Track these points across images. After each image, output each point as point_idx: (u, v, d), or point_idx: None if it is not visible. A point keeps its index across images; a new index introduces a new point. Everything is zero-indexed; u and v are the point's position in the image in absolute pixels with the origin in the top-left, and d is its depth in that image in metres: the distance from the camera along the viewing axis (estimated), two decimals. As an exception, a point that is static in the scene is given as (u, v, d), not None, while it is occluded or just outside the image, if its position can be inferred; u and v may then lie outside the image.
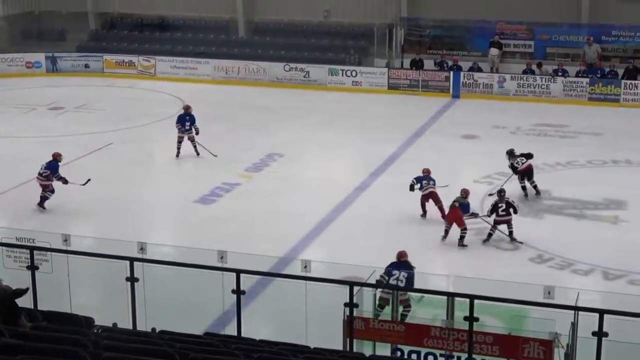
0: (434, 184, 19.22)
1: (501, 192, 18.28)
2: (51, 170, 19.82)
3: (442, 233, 17.83)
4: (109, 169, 22.96)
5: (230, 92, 33.08)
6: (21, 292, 8.43)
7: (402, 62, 34.26)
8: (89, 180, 20.09)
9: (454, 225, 17.81)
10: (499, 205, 17.94)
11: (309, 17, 36.80)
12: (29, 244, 12.41)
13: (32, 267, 11.65)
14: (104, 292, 14.24)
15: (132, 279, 11.27)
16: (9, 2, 39.15)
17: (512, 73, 32.40)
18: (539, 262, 16.87)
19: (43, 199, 19.78)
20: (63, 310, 10.53)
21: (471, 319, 10.18)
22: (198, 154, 23.77)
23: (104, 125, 26.47)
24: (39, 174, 19.82)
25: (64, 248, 12.42)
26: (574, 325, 10.39)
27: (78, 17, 39.17)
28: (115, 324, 10.20)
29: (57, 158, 20.20)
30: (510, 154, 21.24)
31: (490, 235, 17.96)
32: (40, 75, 35.70)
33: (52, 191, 19.84)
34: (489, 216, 18.03)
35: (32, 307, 10.68)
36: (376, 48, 34.87)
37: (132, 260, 11.32)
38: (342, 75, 33.69)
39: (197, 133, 23.80)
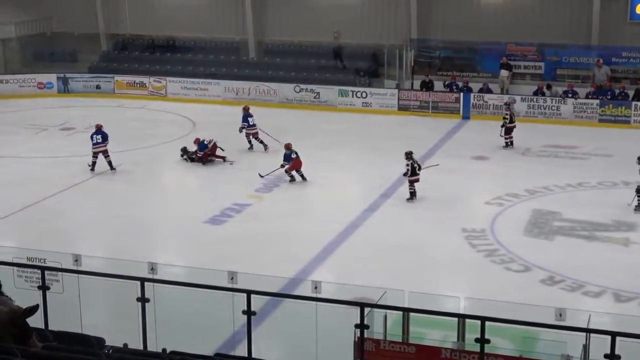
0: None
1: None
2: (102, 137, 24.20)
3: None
4: (119, 189, 23.02)
5: (240, 113, 33.07)
6: (32, 310, 8.43)
7: (412, 84, 34.34)
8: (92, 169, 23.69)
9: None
10: None
11: (319, 38, 36.94)
12: (40, 264, 12.42)
13: (43, 287, 11.64)
14: (114, 312, 14.23)
15: (142, 299, 11.26)
16: (22, 23, 39.41)
17: (522, 94, 32.43)
18: (550, 284, 16.82)
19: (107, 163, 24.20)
20: (74, 331, 10.50)
21: (482, 340, 10.13)
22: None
23: (114, 146, 26.45)
24: (95, 143, 24.16)
25: (75, 268, 12.43)
26: (586, 348, 10.33)
27: (90, 38, 39.44)
28: (126, 345, 10.19)
29: (99, 128, 24.37)
30: None
31: None
32: (52, 96, 35.90)
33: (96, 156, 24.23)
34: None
35: (43, 327, 10.69)
36: (386, 69, 34.99)
37: (142, 280, 11.31)
38: (352, 96, 33.78)
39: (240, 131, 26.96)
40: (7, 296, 9.10)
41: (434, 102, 32.83)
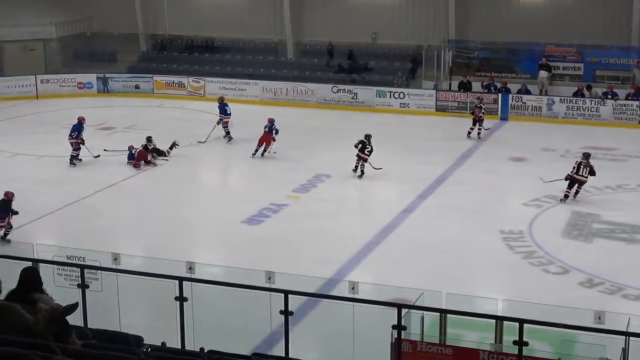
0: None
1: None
2: (77, 131, 25.15)
3: None
4: (158, 188, 23.19)
5: (278, 114, 33.12)
6: (71, 309, 8.52)
7: (450, 84, 34.22)
8: (99, 155, 25.17)
9: None
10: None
11: (357, 39, 36.95)
12: (79, 262, 12.53)
13: (83, 286, 11.76)
14: (152, 311, 14.31)
15: (181, 299, 11.33)
16: (62, 24, 39.83)
17: (561, 96, 32.19)
18: (588, 286, 16.67)
19: (73, 157, 25.00)
20: (112, 329, 10.60)
21: (520, 343, 10.07)
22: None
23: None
24: (69, 135, 25.22)
25: (114, 267, 12.54)
26: (625, 351, 10.24)
27: (129, 38, 39.78)
28: (164, 343, 10.25)
29: (81, 121, 25.42)
30: None
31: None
32: (92, 95, 36.25)
33: (79, 149, 25.07)
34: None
35: (83, 325, 10.79)
36: (424, 70, 34.90)
37: (181, 279, 11.37)
38: (390, 96, 33.73)
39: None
40: (47, 294, 9.22)
41: (471, 102, 32.65)
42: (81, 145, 25.12)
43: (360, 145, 24.22)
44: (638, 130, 29.70)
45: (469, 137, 28.64)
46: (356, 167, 24.26)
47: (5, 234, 18.94)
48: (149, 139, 25.68)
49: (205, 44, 39.68)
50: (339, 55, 37.07)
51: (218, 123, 28.16)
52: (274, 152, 26.31)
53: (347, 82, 34.86)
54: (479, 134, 28.79)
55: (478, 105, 29.25)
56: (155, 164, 25.23)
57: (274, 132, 26.40)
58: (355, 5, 37.19)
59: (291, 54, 38.29)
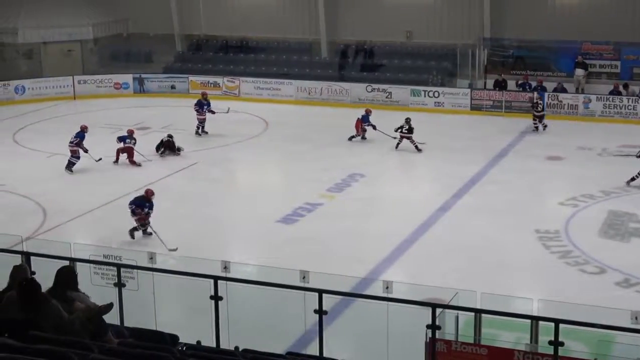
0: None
1: None
2: (79, 138, 25.00)
3: None
4: (193, 188, 23.31)
5: (312, 113, 33.29)
6: (107, 308, 8.63)
7: (485, 83, 34.08)
8: (100, 159, 25.19)
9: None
10: None
11: (391, 37, 36.90)
12: (116, 261, 12.65)
13: (119, 284, 11.88)
14: (188, 310, 14.40)
15: (216, 297, 11.39)
16: (99, 25, 40.17)
17: (597, 94, 31.92)
18: (625, 286, 16.53)
19: (70, 163, 24.92)
20: (148, 327, 10.70)
21: (556, 343, 10.01)
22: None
23: (189, 145, 26.86)
24: (70, 142, 25.09)
25: (150, 266, 12.63)
26: (662, 352, 10.15)
27: (165, 39, 40.02)
28: (199, 342, 10.33)
29: (84, 129, 25.34)
30: None
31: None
32: (128, 96, 36.52)
33: (78, 157, 25.02)
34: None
35: (119, 324, 10.90)
36: (459, 69, 34.78)
37: (216, 278, 11.44)
38: (425, 96, 33.64)
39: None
40: (83, 293, 9.33)
41: (507, 101, 32.50)
42: (80, 154, 25.08)
43: (400, 129, 26.78)
44: (675, 129, 29.40)
45: (537, 131, 29.51)
46: (397, 144, 26.88)
47: (144, 229, 19.43)
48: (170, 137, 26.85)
49: (240, 44, 39.80)
50: (367, 54, 37.10)
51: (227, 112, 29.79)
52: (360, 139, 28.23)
53: (382, 82, 34.78)
54: (544, 126, 29.62)
55: (535, 102, 30.07)
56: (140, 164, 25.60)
57: (366, 123, 28.10)
58: (390, 3, 37.12)
59: (325, 53, 38.31)
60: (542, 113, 29.63)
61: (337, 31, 38.36)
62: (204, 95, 29.98)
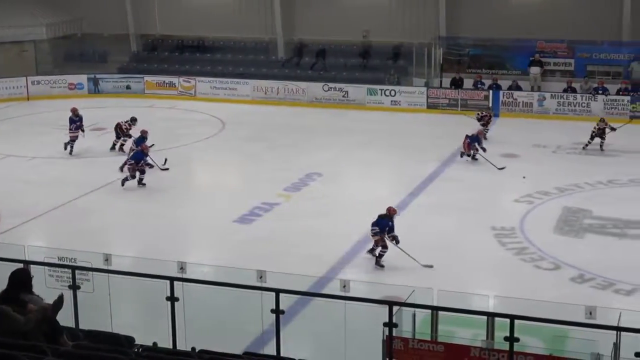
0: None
1: None
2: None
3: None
4: (149, 188, 23.13)
5: (269, 112, 33.25)
6: (59, 303, 8.50)
7: (441, 81, 34.27)
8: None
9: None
10: None
11: (348, 37, 36.95)
12: (70, 263, 12.52)
13: (74, 287, 11.76)
14: (144, 311, 14.31)
15: (172, 299, 11.33)
16: (53, 25, 39.76)
17: (552, 91, 32.25)
18: (580, 282, 16.70)
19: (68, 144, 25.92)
20: (104, 329, 10.60)
21: (512, 339, 10.09)
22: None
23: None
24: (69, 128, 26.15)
25: (105, 267, 12.53)
26: (616, 346, 10.26)
27: (119, 39, 39.74)
28: (155, 343, 10.25)
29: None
30: None
31: None
32: (83, 96, 36.12)
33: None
34: None
35: (74, 326, 10.79)
36: (415, 67, 34.91)
37: (172, 279, 11.37)
38: (381, 94, 33.74)
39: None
40: (37, 295, 9.21)
41: (462, 99, 32.72)
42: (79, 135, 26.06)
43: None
44: (629, 126, 29.72)
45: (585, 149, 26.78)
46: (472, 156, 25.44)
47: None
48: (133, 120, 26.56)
49: (195, 43, 39.64)
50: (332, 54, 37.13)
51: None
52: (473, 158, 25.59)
53: (339, 81, 34.81)
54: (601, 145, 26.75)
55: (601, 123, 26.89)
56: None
57: (473, 143, 25.26)
58: (346, 3, 37.20)
59: (282, 52, 38.28)
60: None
61: (293, 31, 38.34)
62: (74, 111, 26.92)
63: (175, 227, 20.21)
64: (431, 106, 33.05)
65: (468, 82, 33.59)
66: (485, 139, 26.77)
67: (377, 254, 17.48)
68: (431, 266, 17.11)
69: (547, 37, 33.68)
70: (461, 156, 25.45)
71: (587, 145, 26.55)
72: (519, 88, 32.78)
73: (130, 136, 26.15)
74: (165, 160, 24.27)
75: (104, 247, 15.36)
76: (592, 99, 31.31)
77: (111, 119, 30.82)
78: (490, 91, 32.58)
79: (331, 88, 34.35)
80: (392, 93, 33.63)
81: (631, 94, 31.34)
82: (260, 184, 23.37)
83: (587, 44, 33.52)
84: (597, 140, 26.49)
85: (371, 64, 36.21)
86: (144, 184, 22.81)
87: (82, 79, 36.94)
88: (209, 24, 38.81)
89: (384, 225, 17.53)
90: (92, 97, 36.02)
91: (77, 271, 11.89)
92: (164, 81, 36.58)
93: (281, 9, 37.44)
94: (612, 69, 33.21)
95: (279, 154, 26.61)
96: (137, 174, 22.76)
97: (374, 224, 17.65)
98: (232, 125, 30.91)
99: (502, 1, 35.43)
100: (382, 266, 17.33)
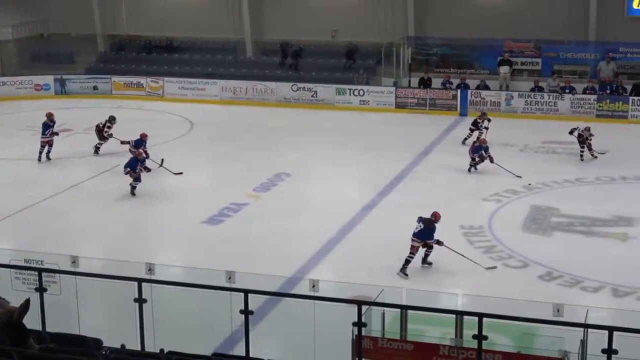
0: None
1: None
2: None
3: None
4: (117, 190, 22.98)
5: (237, 113, 33.17)
6: (26, 307, 8.40)
7: (409, 81, 34.36)
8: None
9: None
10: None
11: (317, 37, 36.96)
12: (37, 265, 12.42)
13: (41, 289, 11.64)
14: (112, 313, 14.23)
15: (140, 300, 11.26)
16: (19, 25, 39.40)
17: (519, 90, 32.45)
18: (547, 279, 16.81)
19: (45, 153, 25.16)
20: (71, 332, 10.51)
21: (480, 337, 10.13)
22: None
23: (112, 147, 26.47)
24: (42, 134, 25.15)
25: (72, 270, 12.43)
26: (584, 343, 10.34)
27: (87, 39, 39.44)
28: (123, 345, 10.19)
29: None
30: None
31: None
32: (49, 97, 35.81)
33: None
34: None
35: (41, 329, 10.69)
36: (384, 67, 34.98)
37: (140, 281, 11.31)
38: (350, 94, 33.76)
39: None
40: (3, 298, 9.11)
41: (431, 99, 32.83)
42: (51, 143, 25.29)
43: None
44: (596, 124, 29.92)
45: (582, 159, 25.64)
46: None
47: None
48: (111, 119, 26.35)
49: (163, 44, 39.42)
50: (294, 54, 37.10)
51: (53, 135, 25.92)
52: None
53: (308, 81, 34.80)
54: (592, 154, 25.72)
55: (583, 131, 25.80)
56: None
57: (476, 154, 24.06)
58: (315, 3, 37.16)
59: (250, 52, 38.21)
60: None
61: (262, 30, 38.27)
62: (49, 116, 25.89)
63: (143, 228, 20.13)
64: (400, 106, 33.13)
65: (436, 82, 33.70)
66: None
67: (415, 258, 17.17)
68: (495, 267, 17.12)
69: (514, 37, 33.86)
70: (469, 170, 24.18)
71: (583, 153, 25.35)
72: (487, 87, 32.94)
73: (111, 135, 26.17)
74: (162, 160, 23.88)
75: (71, 249, 15.27)
76: (559, 98, 31.54)
77: (78, 121, 30.71)
78: (459, 91, 32.71)
79: (300, 88, 34.33)
80: (361, 93, 33.67)
81: (600, 93, 31.60)
82: (229, 185, 23.31)
83: (554, 44, 33.76)
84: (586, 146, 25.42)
85: (340, 63, 36.22)
86: (134, 194, 22.20)
87: (49, 79, 36.62)
88: (177, 24, 38.63)
89: (430, 233, 17.19)
90: (59, 98, 35.71)
91: (43, 273, 11.77)
92: (132, 82, 36.37)
93: (249, 9, 37.35)
94: (578, 68, 33.47)
95: (247, 155, 26.55)
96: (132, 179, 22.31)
97: (416, 234, 17.25)
98: (200, 125, 30.81)
99: (470, 1, 35.59)
100: (430, 263, 17.27)
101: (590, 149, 25.50)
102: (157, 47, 39.44)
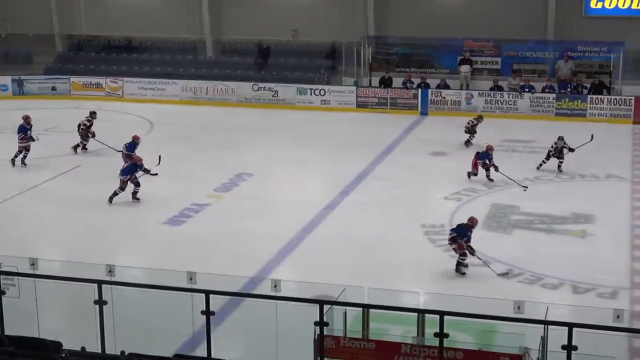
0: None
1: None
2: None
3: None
4: (77, 191, 22.80)
5: (198, 113, 33.07)
6: None
7: (370, 81, 34.45)
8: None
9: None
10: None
11: (277, 36, 36.93)
12: (-5, 268, 12.26)
13: (-1, 292, 11.54)
14: (72, 316, 14.09)
15: (100, 302, 11.17)
16: (-25, 25, 39.01)
17: (480, 90, 32.66)
18: (508, 277, 16.90)
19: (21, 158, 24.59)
20: (31, 335, 10.42)
21: (441, 335, 10.18)
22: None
23: (61, 148, 26.26)
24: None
25: (31, 272, 12.28)
26: (544, 340, 10.41)
27: (45, 39, 39.11)
28: (83, 348, 10.12)
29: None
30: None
31: None
32: (7, 98, 35.47)
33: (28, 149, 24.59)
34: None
35: (-1, 333, 10.58)
36: (344, 67, 35.03)
37: (100, 282, 11.22)
38: (311, 94, 33.79)
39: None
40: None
41: (392, 98, 32.95)
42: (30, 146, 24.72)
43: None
44: (554, 123, 30.29)
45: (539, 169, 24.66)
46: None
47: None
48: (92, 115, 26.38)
49: (123, 43, 39.21)
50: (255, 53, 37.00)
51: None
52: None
53: (269, 80, 34.76)
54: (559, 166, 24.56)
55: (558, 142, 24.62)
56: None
57: (481, 161, 23.07)
58: (274, 2, 37.17)
59: (210, 52, 38.09)
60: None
61: (222, 30, 38.17)
62: (25, 118, 25.21)
63: (103, 229, 19.95)
64: (361, 105, 33.22)
65: (397, 81, 33.82)
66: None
67: (457, 261, 17.02)
68: (507, 274, 16.98)
69: (474, 36, 34.09)
70: (469, 177, 23.24)
71: (541, 165, 24.40)
72: (447, 87, 33.12)
73: (93, 134, 26.14)
74: (160, 157, 22.97)
75: (30, 252, 15.07)
76: (519, 96, 31.80)
77: (37, 122, 30.31)
78: (419, 90, 32.86)
79: (260, 88, 34.30)
80: (322, 92, 33.71)
81: (559, 91, 31.91)
82: (190, 185, 23.19)
83: (514, 43, 34.03)
84: (554, 160, 24.38)
85: (300, 63, 36.22)
86: (138, 199, 21.65)
87: (6, 80, 36.26)
88: (136, 24, 38.45)
89: (464, 232, 17.06)
90: (17, 99, 35.39)
91: (2, 276, 11.64)
92: (91, 82, 36.13)
93: (209, 9, 37.25)
94: (538, 67, 33.80)
95: (208, 155, 26.45)
96: (133, 186, 21.59)
97: (452, 230, 17.31)
98: (160, 126, 30.66)
99: (431, 1, 35.79)
100: (464, 273, 16.94)
101: (560, 165, 24.32)
102: (116, 47, 39.21)
